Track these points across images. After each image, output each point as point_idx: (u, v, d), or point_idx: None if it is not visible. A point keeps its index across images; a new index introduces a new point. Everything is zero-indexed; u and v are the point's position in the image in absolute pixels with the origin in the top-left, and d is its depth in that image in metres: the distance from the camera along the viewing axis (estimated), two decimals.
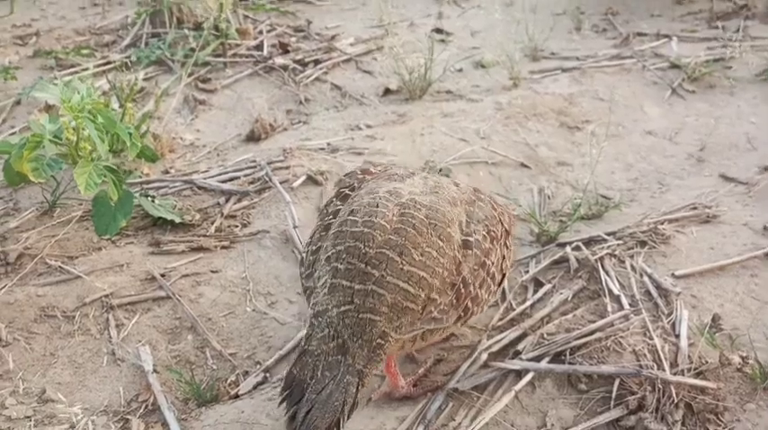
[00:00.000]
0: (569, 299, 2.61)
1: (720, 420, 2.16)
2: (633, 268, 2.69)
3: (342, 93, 4.37)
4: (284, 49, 4.75)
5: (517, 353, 2.38)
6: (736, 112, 3.98)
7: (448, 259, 2.03)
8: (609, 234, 2.90)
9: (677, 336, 2.39)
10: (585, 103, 4.06)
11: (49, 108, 3.84)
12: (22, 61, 4.70)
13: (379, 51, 4.75)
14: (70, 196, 3.22)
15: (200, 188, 3.34)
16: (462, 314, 2.09)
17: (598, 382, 2.27)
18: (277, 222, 3.07)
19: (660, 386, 2.19)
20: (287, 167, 3.38)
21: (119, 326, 2.63)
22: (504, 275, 2.30)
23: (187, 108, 4.20)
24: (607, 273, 2.67)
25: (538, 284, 2.73)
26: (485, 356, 2.37)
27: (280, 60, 4.58)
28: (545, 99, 4.05)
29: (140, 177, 3.44)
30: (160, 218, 3.05)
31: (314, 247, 2.14)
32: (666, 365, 2.27)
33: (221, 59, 4.60)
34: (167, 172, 3.57)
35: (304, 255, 2.20)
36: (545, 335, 2.44)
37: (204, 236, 3.02)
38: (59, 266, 2.84)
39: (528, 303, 2.61)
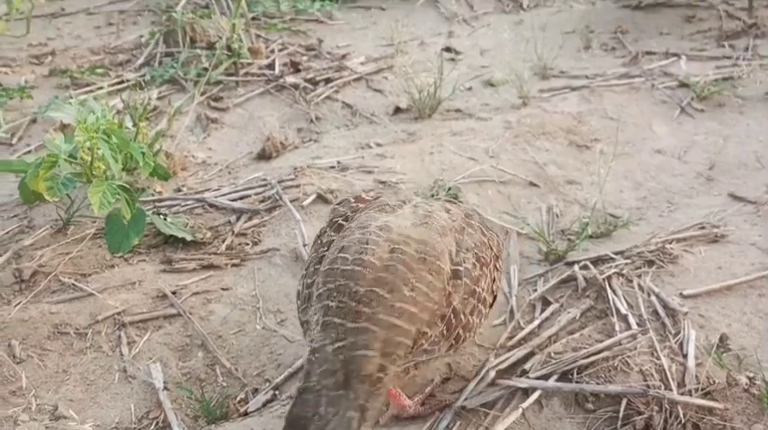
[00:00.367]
0: (577, 318, 2.62)
1: None
2: (641, 287, 2.70)
3: (352, 111, 4.40)
4: (295, 67, 4.80)
5: (525, 372, 2.39)
6: (745, 131, 3.97)
7: (438, 293, 2.04)
8: (617, 253, 2.91)
9: (684, 356, 2.39)
10: (594, 121, 4.07)
11: (64, 127, 3.87)
12: (37, 80, 4.77)
13: (389, 70, 4.78)
14: (84, 214, 3.26)
15: (211, 206, 3.38)
16: (454, 342, 2.10)
17: (605, 402, 2.28)
18: (287, 240, 3.09)
19: (667, 406, 2.20)
20: (297, 186, 3.41)
21: (130, 343, 2.66)
22: (494, 297, 2.30)
23: (199, 126, 4.25)
24: (615, 292, 2.68)
25: (546, 303, 2.74)
26: (492, 374, 2.38)
27: (291, 79, 4.62)
28: (554, 118, 4.06)
29: (153, 195, 3.48)
30: (172, 235, 3.09)
31: (309, 281, 2.14)
32: (674, 385, 2.28)
33: (233, 78, 4.65)
34: (179, 190, 3.61)
35: (300, 287, 2.20)
36: (552, 354, 2.45)
37: (215, 254, 3.05)
38: (73, 284, 2.87)
39: (536, 322, 2.63)
